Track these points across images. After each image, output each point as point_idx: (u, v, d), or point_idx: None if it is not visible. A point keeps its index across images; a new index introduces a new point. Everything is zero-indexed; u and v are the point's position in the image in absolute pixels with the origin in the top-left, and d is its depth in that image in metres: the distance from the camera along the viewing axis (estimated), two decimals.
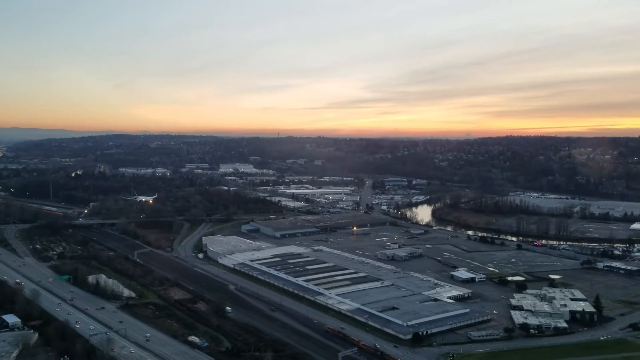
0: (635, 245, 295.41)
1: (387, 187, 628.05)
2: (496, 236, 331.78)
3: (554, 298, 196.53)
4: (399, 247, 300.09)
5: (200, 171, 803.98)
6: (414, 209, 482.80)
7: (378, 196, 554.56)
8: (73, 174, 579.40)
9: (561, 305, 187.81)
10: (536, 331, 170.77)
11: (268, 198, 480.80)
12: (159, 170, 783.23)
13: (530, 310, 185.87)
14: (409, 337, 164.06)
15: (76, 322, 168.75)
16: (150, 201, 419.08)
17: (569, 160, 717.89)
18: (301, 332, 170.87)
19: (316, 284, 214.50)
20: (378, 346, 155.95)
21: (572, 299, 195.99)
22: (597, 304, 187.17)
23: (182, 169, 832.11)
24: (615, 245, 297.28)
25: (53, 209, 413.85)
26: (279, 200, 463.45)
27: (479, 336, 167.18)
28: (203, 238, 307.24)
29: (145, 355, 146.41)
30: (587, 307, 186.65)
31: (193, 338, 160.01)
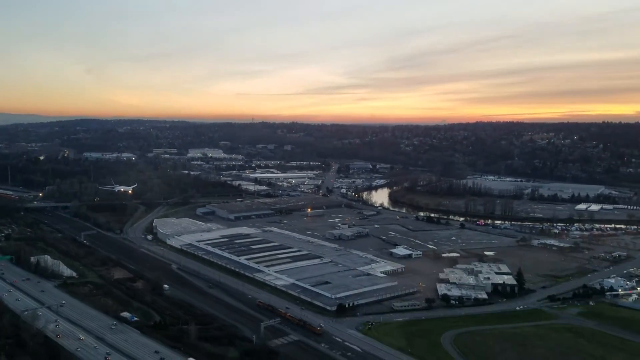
0: (575, 224, 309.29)
1: (351, 171, 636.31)
2: (444, 216, 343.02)
3: (480, 272, 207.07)
4: (349, 227, 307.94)
5: (167, 156, 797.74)
6: (373, 192, 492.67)
7: (341, 180, 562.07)
8: (33, 159, 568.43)
9: (485, 279, 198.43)
10: (457, 302, 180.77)
11: (230, 182, 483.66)
12: (125, 155, 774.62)
13: (454, 283, 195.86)
14: (334, 308, 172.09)
15: (4, 294, 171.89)
16: (130, 191, 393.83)
17: (530, 144, 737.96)
18: (233, 307, 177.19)
19: (257, 262, 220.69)
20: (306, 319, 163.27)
21: (497, 273, 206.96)
22: (519, 277, 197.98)
23: (149, 154, 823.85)
24: (556, 224, 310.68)
25: (9, 192, 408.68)
26: (239, 184, 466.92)
27: (401, 306, 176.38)
28: (155, 220, 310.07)
29: (73, 329, 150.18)
30: (509, 280, 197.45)
31: (125, 314, 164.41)
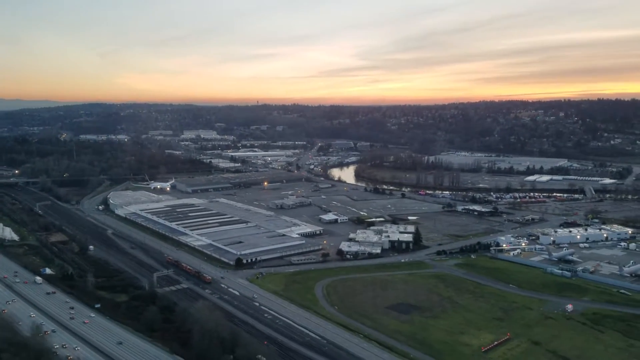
0: (510, 193, 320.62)
1: (331, 149, 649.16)
2: (393, 188, 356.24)
3: (385, 232, 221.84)
4: (296, 197, 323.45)
5: (160, 137, 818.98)
6: (345, 168, 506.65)
7: (319, 157, 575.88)
8: (20, 139, 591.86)
9: (385, 237, 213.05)
10: (351, 256, 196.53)
11: (205, 160, 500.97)
12: (120, 137, 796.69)
13: (357, 241, 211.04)
14: (233, 262, 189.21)
15: None
16: (167, 188, 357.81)
17: (514, 122, 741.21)
18: (144, 263, 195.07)
19: (185, 227, 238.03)
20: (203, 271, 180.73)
21: (401, 232, 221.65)
22: (416, 235, 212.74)
23: (144, 135, 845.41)
24: (493, 193, 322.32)
25: None
26: (210, 161, 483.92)
27: (298, 260, 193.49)
28: (111, 193, 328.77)
29: None
30: (406, 238, 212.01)
31: (45, 269, 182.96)
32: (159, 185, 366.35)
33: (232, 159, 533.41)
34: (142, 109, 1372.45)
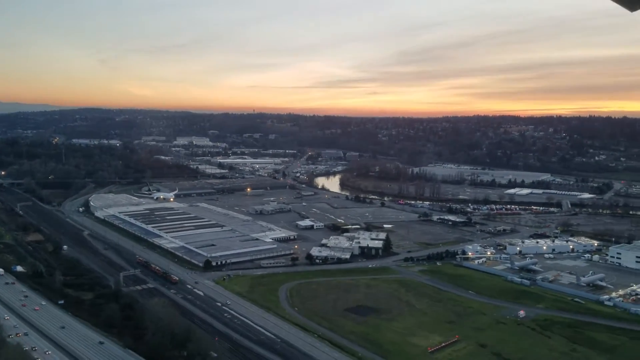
0: (488, 205, 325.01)
1: (320, 159, 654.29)
2: (374, 197, 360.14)
3: (357, 238, 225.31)
4: (277, 204, 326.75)
5: (153, 142, 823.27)
6: (332, 177, 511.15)
7: (307, 166, 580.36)
8: (10, 142, 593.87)
9: (356, 243, 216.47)
10: (320, 261, 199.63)
11: (192, 165, 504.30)
12: (112, 142, 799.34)
13: (328, 247, 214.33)
14: (201, 264, 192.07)
15: None
16: (171, 199, 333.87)
17: (504, 136, 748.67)
18: (115, 263, 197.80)
19: (160, 229, 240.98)
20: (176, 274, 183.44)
21: (372, 239, 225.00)
22: (386, 242, 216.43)
23: (136, 141, 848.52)
24: (471, 204, 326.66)
25: None
26: (197, 167, 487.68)
27: (267, 264, 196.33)
28: (93, 195, 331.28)
29: None
30: (376, 244, 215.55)
31: (16, 266, 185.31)
32: (162, 195, 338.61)
33: (220, 166, 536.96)
34: (137, 115, 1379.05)
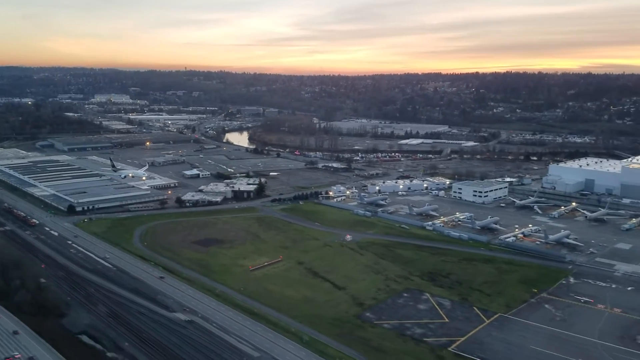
0: (375, 153, 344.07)
1: (238, 115, 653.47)
2: (274, 149, 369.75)
3: (234, 183, 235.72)
4: (173, 156, 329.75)
5: (69, 101, 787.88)
6: (243, 132, 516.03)
7: (223, 122, 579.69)
8: None
9: (230, 188, 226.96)
10: (190, 204, 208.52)
11: (96, 121, 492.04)
12: (25, 100, 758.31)
13: (203, 191, 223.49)
14: (65, 209, 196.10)
15: None
16: (144, 177, 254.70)
17: (420, 92, 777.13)
18: None
19: (35, 179, 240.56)
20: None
21: (248, 184, 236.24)
22: (259, 187, 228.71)
23: (51, 99, 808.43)
24: (361, 153, 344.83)
25: None
26: (100, 122, 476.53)
27: (136, 208, 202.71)
28: None
29: None
30: (249, 188, 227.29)
31: None
32: (131, 173, 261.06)
33: (129, 122, 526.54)
34: (57, 73, 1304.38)
